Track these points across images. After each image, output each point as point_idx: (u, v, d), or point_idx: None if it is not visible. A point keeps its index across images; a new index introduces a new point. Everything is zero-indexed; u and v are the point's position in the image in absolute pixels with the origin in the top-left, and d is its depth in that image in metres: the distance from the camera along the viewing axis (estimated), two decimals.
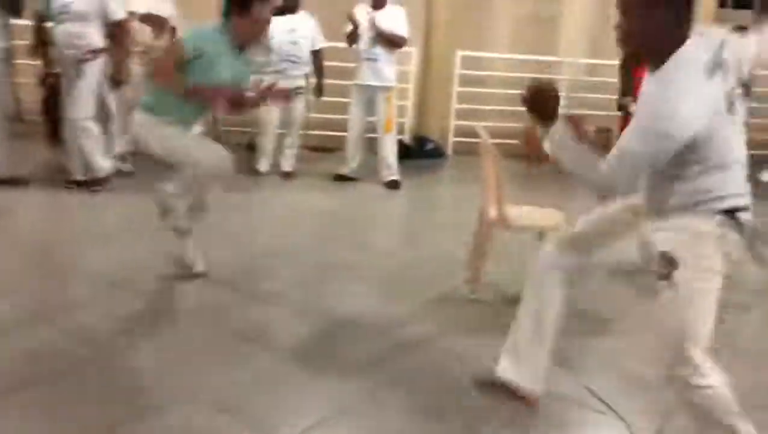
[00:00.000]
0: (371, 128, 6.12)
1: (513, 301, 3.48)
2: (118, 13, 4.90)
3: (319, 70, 6.09)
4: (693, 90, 1.88)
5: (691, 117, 1.86)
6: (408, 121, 7.64)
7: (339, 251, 4.29)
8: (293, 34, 5.84)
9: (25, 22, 5.12)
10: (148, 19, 5.55)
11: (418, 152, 7.36)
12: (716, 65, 1.90)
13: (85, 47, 4.79)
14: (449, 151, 7.67)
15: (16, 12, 4.84)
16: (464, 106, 7.58)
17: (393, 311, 3.43)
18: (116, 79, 5.09)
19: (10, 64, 5.01)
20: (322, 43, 6.04)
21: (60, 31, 4.78)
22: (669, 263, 1.97)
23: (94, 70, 4.89)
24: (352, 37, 5.83)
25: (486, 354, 2.81)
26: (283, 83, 5.84)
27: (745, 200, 2.00)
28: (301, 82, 5.99)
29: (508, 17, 8.36)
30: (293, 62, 5.89)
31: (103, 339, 2.92)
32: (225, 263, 3.82)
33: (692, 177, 1.96)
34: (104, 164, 5.10)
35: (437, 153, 7.47)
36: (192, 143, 3.37)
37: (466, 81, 7.61)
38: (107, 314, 3.14)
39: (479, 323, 3.33)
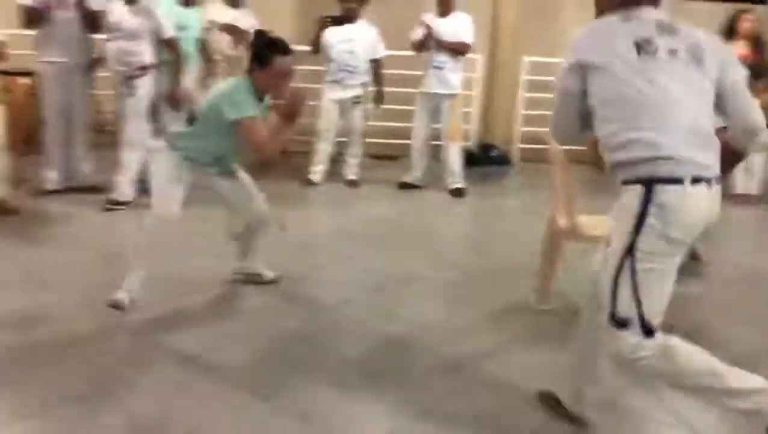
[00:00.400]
0: (436, 135, 6.11)
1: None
2: (168, 32, 4.98)
3: (378, 79, 6.11)
4: (596, 27, 2.12)
5: (585, 46, 2.07)
6: (473, 128, 7.58)
7: (404, 259, 4.28)
8: (350, 44, 5.87)
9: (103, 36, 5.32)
10: (228, 29, 5.68)
11: (483, 159, 7.29)
12: (632, 17, 2.05)
13: (135, 64, 4.89)
14: (515, 158, 7.57)
15: (96, 28, 5.03)
16: (531, 112, 7.48)
17: (459, 321, 3.40)
18: (173, 99, 5.13)
19: (91, 76, 5.21)
20: (382, 52, 6.05)
21: (111, 48, 4.92)
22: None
23: (145, 88, 4.95)
24: (421, 45, 5.83)
25: (553, 367, 2.75)
26: (341, 93, 5.95)
27: (683, 171, 1.93)
28: (359, 92, 6.00)
29: (575, 22, 8.21)
30: (350, 72, 5.92)
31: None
32: (290, 271, 3.86)
33: (612, 138, 2.00)
34: (128, 191, 4.99)
35: (503, 160, 7.38)
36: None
37: (533, 87, 7.50)
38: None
39: (548, 334, 3.26)
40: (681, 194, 1.93)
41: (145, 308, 3.25)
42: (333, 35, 5.83)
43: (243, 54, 5.50)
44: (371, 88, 6.16)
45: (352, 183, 6.15)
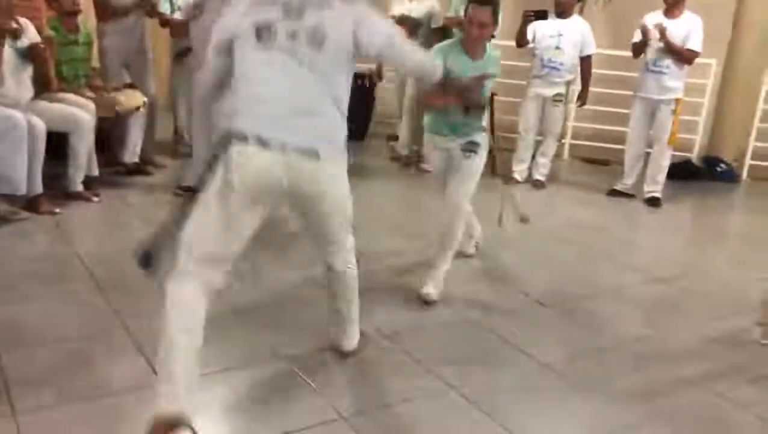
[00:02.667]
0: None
1: None
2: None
3: (585, 78, 5.83)
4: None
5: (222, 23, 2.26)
6: (699, 139, 7.01)
7: (607, 270, 4.07)
8: (559, 39, 5.65)
9: None
10: (402, 21, 5.60)
11: (707, 173, 6.72)
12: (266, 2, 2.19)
13: None
14: (744, 175, 6.89)
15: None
16: None
17: (666, 343, 3.16)
18: None
19: None
20: (592, 50, 5.76)
21: None
22: None
23: None
24: (639, 48, 5.50)
25: None
26: (543, 90, 5.76)
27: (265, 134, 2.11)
28: (561, 90, 5.77)
29: None
30: (555, 68, 5.70)
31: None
32: (481, 271, 3.83)
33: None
34: None
35: (730, 176, 6.74)
36: None
37: None
38: None
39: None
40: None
41: None
42: (541, 30, 5.65)
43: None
44: (574, 87, 5.92)
45: (538, 184, 5.95)
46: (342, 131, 2.27)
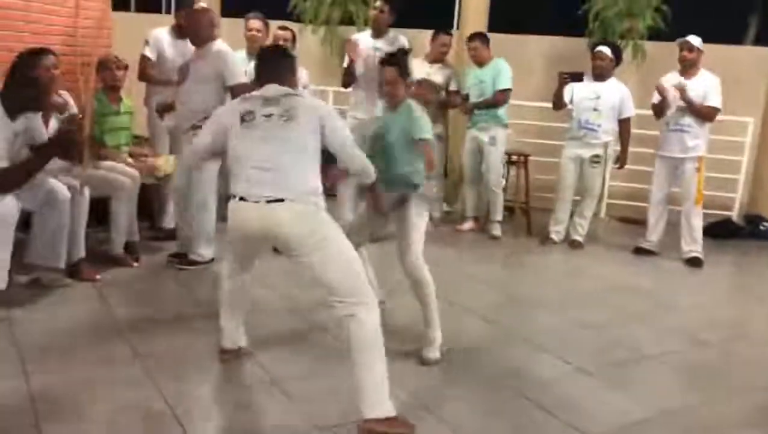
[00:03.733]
0: (674, 199, 5.71)
1: None
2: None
3: (624, 140, 5.81)
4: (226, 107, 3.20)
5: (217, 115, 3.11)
6: (739, 197, 6.90)
7: (643, 333, 3.96)
8: (596, 101, 5.66)
9: None
10: (422, 84, 5.63)
11: (749, 232, 6.57)
12: (250, 97, 2.96)
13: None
14: None
15: None
16: None
17: (712, 411, 3.04)
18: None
19: None
20: (631, 113, 5.76)
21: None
22: None
23: None
24: (660, 109, 5.50)
25: None
26: (580, 151, 5.76)
27: (245, 192, 2.78)
28: (599, 151, 5.74)
29: None
30: (592, 130, 5.69)
31: None
32: (514, 330, 3.77)
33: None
34: (206, 253, 4.53)
35: None
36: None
37: None
38: None
39: None
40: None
41: None
42: (579, 91, 5.69)
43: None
44: (614, 149, 5.90)
45: (575, 244, 5.87)
46: (312, 182, 2.79)
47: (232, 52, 4.48)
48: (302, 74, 5.26)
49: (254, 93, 2.97)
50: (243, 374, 3.09)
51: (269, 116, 2.83)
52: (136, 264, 4.43)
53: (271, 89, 2.94)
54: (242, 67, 4.64)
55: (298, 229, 2.69)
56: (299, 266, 2.74)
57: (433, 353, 3.30)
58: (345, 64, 5.50)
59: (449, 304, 3.90)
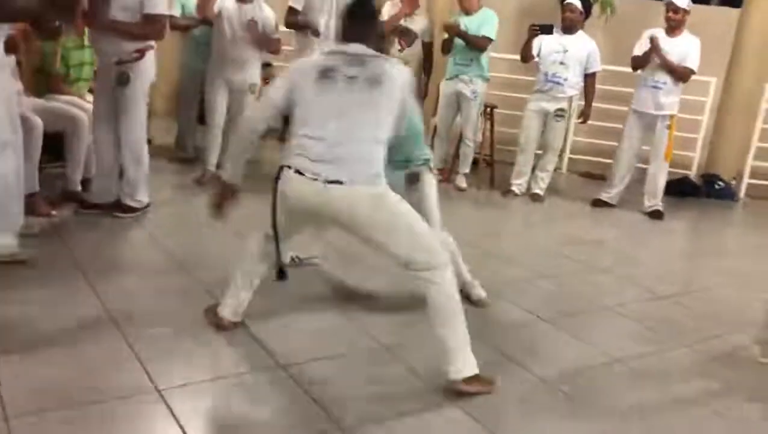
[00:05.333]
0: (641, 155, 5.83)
1: None
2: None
3: (589, 95, 5.86)
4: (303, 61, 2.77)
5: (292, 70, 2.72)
6: (697, 156, 7.03)
7: (602, 284, 4.06)
8: (563, 55, 5.66)
9: None
10: (397, 31, 5.70)
11: (705, 190, 6.73)
12: (333, 53, 2.64)
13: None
14: (742, 193, 6.90)
15: None
16: (767, 145, 6.78)
17: (663, 360, 3.14)
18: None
19: None
20: (598, 68, 5.78)
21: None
22: None
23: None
24: (642, 61, 5.54)
25: None
26: (545, 104, 5.77)
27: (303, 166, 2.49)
28: (564, 105, 5.77)
29: None
30: (558, 83, 5.71)
31: None
32: (486, 283, 3.81)
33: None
34: (144, 198, 4.28)
35: (728, 194, 6.75)
36: None
37: None
38: None
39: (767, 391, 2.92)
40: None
41: None
42: (546, 44, 5.67)
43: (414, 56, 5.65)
44: (578, 103, 5.93)
45: (536, 197, 5.95)
46: (379, 163, 2.50)
47: None
48: (268, 13, 5.13)
49: (338, 47, 2.67)
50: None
51: (353, 78, 2.53)
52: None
53: (359, 48, 2.63)
54: None
55: (358, 212, 2.48)
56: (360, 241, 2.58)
57: (480, 290, 3.47)
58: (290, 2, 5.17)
59: None
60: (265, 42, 5.10)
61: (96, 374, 2.45)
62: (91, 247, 3.71)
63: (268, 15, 5.11)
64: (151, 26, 3.89)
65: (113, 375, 2.46)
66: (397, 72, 2.62)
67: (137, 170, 4.13)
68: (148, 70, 4.03)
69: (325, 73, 2.54)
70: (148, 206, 4.27)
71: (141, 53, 3.91)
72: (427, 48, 6.05)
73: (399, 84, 2.59)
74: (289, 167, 2.51)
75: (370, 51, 2.64)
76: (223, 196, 2.80)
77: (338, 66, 2.55)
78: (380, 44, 2.78)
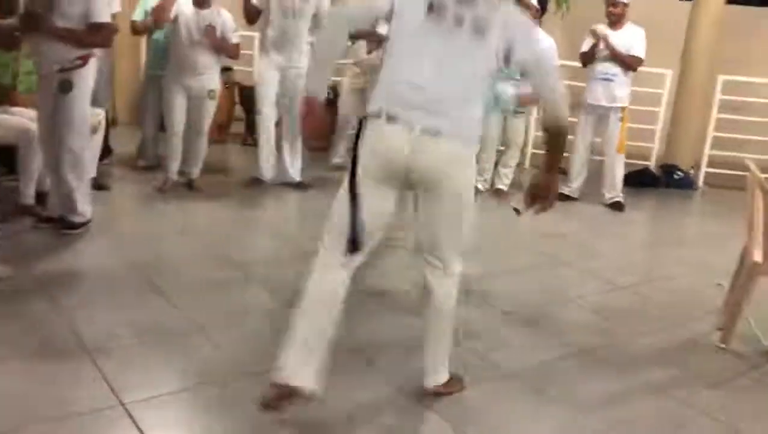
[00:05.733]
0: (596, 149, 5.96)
1: None
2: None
3: None
4: None
5: None
6: (656, 147, 7.16)
7: (565, 276, 4.11)
8: None
9: None
10: (365, 34, 5.75)
11: (664, 180, 6.86)
12: None
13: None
14: (700, 182, 7.05)
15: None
16: (723, 134, 6.94)
17: (626, 349, 3.19)
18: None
19: None
20: (554, 63, 5.85)
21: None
22: None
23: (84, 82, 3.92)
24: (589, 56, 5.65)
25: (733, 412, 2.54)
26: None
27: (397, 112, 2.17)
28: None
29: None
30: (516, 80, 5.76)
31: None
32: None
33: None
34: (88, 211, 4.08)
35: (687, 184, 6.89)
36: None
37: (726, 108, 6.96)
38: None
39: (728, 376, 2.98)
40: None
41: None
42: None
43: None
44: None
45: (500, 193, 6.00)
46: (475, 128, 2.27)
47: None
48: (226, 17, 5.09)
49: None
50: (172, 320, 3.03)
51: (461, 20, 2.18)
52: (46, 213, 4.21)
53: None
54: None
55: (447, 171, 2.23)
56: (411, 201, 2.37)
57: None
58: None
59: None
60: (224, 47, 5.06)
61: (59, 390, 2.41)
62: (50, 260, 3.65)
63: (227, 20, 5.07)
64: (97, 34, 3.82)
65: (76, 391, 2.41)
66: (507, 15, 2.24)
67: (79, 181, 3.97)
68: (89, 77, 3.93)
69: (434, 6, 2.19)
70: (90, 220, 4.07)
71: (83, 60, 3.85)
72: None
73: (508, 30, 2.22)
74: (378, 114, 2.20)
75: None
76: (308, 112, 2.38)
77: (449, 3, 2.19)
78: None
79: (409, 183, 2.27)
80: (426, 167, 2.19)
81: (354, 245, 2.23)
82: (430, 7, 2.18)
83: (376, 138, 2.21)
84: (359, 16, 2.32)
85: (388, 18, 2.23)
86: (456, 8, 2.17)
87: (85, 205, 4.03)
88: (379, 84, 2.25)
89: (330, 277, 2.28)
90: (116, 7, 5.18)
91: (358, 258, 2.28)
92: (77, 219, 4.00)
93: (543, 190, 2.41)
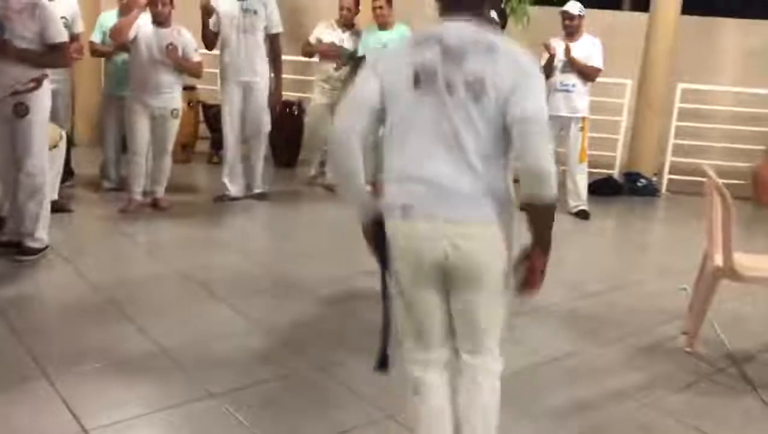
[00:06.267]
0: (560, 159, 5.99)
1: (734, 360, 3.18)
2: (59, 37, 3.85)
3: None
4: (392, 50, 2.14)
5: (375, 61, 1.97)
6: (618, 156, 7.26)
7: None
8: None
9: None
10: (333, 50, 5.86)
11: (628, 188, 6.96)
12: (426, 40, 1.85)
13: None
14: (663, 189, 7.17)
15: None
16: (683, 142, 7.08)
17: (596, 356, 3.22)
18: None
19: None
20: None
21: None
22: None
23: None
24: (547, 69, 5.73)
25: (700, 415, 2.57)
26: None
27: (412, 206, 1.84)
28: None
29: (735, 48, 7.73)
30: None
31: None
32: None
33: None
34: (45, 237, 3.99)
35: (650, 191, 7.00)
36: None
37: (686, 115, 7.10)
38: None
39: (693, 379, 3.01)
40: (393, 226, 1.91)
41: None
42: None
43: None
44: None
45: None
46: (501, 198, 1.87)
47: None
48: (187, 36, 5.07)
49: (432, 31, 1.89)
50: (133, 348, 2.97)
51: (451, 87, 1.80)
52: (4, 238, 4.11)
53: (458, 32, 1.84)
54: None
55: (486, 259, 1.89)
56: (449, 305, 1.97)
57: None
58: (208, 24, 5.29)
59: (350, 263, 3.91)
60: (187, 66, 5.04)
61: (19, 417, 2.35)
62: (10, 286, 3.57)
63: (187, 38, 5.05)
64: (56, 55, 3.80)
65: (38, 418, 2.36)
66: (508, 57, 1.83)
67: (37, 206, 3.88)
68: (45, 99, 3.88)
69: (421, 76, 1.83)
70: (47, 247, 3.97)
71: (37, 83, 3.79)
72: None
73: (510, 78, 1.80)
74: (394, 208, 1.88)
75: (474, 32, 1.84)
76: (370, 240, 2.02)
77: (436, 65, 1.82)
78: (493, 11, 1.97)
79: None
80: (463, 255, 1.86)
81: (383, 364, 2.00)
82: (417, 78, 1.83)
83: (400, 236, 1.89)
84: (359, 120, 1.90)
85: (383, 103, 1.88)
86: (444, 68, 1.81)
87: (43, 231, 3.94)
88: (386, 174, 1.92)
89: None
90: (80, 27, 5.14)
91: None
92: (34, 245, 3.92)
93: (533, 274, 1.96)
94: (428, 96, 1.82)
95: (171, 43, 4.92)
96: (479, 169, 1.82)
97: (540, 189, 1.81)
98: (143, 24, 4.91)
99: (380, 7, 5.79)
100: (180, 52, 4.96)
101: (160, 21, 4.92)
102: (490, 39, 1.84)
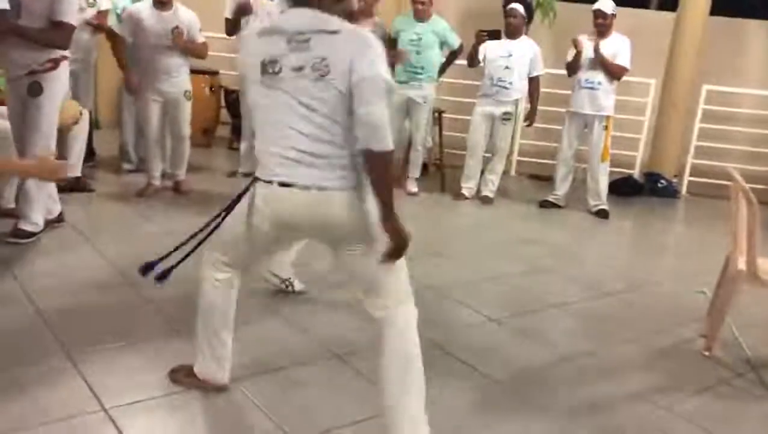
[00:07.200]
0: (580, 156, 6.01)
1: (753, 365, 3.16)
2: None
3: (534, 97, 5.97)
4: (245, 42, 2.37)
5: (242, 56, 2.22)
6: (640, 156, 7.21)
7: (550, 283, 4.12)
8: (509, 59, 5.76)
9: None
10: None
11: (648, 189, 6.91)
12: (273, 31, 2.06)
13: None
14: (684, 191, 7.11)
15: None
16: (706, 144, 7.01)
17: (611, 356, 3.21)
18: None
19: None
20: (540, 71, 5.89)
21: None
22: None
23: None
24: (573, 66, 5.68)
25: (717, 419, 2.56)
26: (491, 108, 5.85)
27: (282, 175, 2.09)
28: (510, 108, 5.86)
29: (763, 50, 7.64)
30: (504, 87, 5.81)
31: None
32: (435, 284, 3.83)
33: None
34: (40, 220, 3.94)
35: (670, 192, 6.95)
36: None
37: (710, 117, 7.03)
38: None
39: (711, 383, 2.99)
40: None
41: None
42: (492, 49, 5.76)
43: None
44: (524, 106, 6.04)
45: (486, 199, 6.02)
46: (349, 168, 2.07)
47: None
48: (191, 17, 5.03)
49: (276, 22, 2.12)
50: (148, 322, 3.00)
51: (299, 69, 1.99)
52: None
53: (299, 19, 2.03)
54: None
55: (350, 221, 2.10)
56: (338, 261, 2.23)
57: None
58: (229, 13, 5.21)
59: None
60: (192, 48, 5.02)
61: (41, 396, 2.38)
62: (32, 263, 3.60)
63: (191, 19, 5.00)
64: (56, 33, 3.70)
65: (58, 396, 2.38)
66: (347, 40, 1.99)
67: (39, 189, 3.84)
68: (61, 82, 3.84)
69: (267, 67, 2.04)
70: (41, 231, 3.92)
71: (55, 63, 3.78)
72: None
73: (348, 59, 1.97)
74: (264, 178, 2.15)
75: (316, 19, 2.02)
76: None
77: (279, 56, 2.02)
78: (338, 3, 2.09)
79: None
80: (329, 218, 2.10)
81: None
82: (264, 68, 2.04)
83: (268, 201, 2.16)
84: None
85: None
86: (289, 57, 2.00)
87: (39, 215, 3.89)
88: (256, 148, 2.20)
89: None
90: (107, 4, 5.13)
91: None
92: (28, 228, 3.86)
93: (392, 236, 2.10)
94: (277, 87, 2.04)
95: (177, 27, 4.88)
96: (330, 140, 2.03)
97: (371, 140, 1.96)
98: (143, 9, 4.89)
99: (422, 3, 5.72)
100: (185, 35, 4.92)
101: (162, 3, 4.88)
102: (332, 23, 2.01)
